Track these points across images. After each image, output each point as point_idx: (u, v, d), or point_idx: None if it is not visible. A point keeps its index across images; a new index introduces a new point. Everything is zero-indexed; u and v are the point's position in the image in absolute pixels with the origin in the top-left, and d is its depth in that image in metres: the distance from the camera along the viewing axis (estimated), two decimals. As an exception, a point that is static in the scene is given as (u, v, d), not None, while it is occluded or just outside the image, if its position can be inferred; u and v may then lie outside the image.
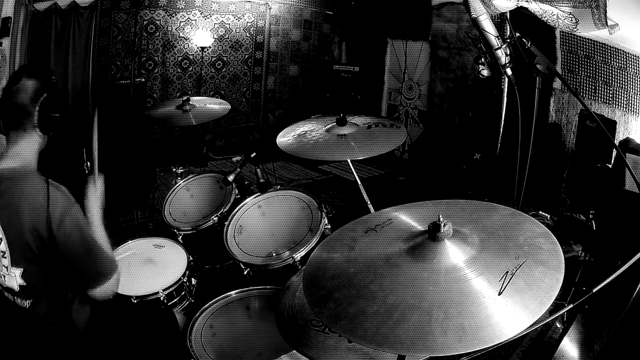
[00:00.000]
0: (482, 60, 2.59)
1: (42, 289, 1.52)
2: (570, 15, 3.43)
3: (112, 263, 1.58)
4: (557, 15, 3.48)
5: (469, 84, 5.45)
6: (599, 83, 4.01)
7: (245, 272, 2.32)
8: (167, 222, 2.75)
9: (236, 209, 2.61)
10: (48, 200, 1.42)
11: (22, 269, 1.47)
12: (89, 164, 1.88)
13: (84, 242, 1.50)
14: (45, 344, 1.56)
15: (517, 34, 2.22)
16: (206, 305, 1.99)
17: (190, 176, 3.03)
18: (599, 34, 3.65)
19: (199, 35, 5.68)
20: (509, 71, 2.45)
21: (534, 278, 1.02)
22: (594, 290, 1.25)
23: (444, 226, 1.12)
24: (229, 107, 3.15)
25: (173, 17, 5.48)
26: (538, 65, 2.22)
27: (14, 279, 1.48)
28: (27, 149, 1.55)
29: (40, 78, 1.56)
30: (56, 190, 1.48)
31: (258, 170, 2.58)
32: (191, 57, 5.77)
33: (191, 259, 2.41)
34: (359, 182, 2.27)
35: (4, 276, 1.49)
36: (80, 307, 1.63)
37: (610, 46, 3.82)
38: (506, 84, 4.46)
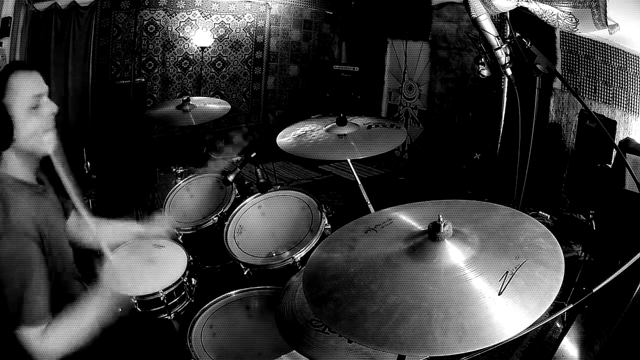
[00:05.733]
0: (482, 60, 2.59)
1: None
2: (570, 15, 3.43)
3: (39, 314, 1.42)
4: (557, 15, 3.48)
5: (469, 84, 5.45)
6: (599, 83, 4.01)
7: (245, 272, 2.32)
8: (167, 222, 2.75)
9: (236, 209, 2.61)
10: None
11: None
12: (88, 164, 1.88)
13: (8, 272, 1.40)
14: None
15: (517, 34, 2.22)
16: (206, 305, 1.99)
17: (190, 176, 3.03)
18: (599, 34, 3.65)
19: (199, 35, 5.68)
20: (509, 71, 2.44)
21: (534, 278, 1.02)
22: (594, 290, 1.25)
23: (444, 226, 1.12)
24: (229, 107, 3.16)
25: (173, 17, 5.48)
26: (538, 65, 2.21)
27: None
28: None
29: None
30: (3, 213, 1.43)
31: (258, 170, 2.58)
32: (191, 57, 5.76)
33: (191, 259, 2.41)
34: (359, 182, 2.27)
35: None
36: None
37: (610, 46, 3.82)
38: (506, 84, 4.47)
